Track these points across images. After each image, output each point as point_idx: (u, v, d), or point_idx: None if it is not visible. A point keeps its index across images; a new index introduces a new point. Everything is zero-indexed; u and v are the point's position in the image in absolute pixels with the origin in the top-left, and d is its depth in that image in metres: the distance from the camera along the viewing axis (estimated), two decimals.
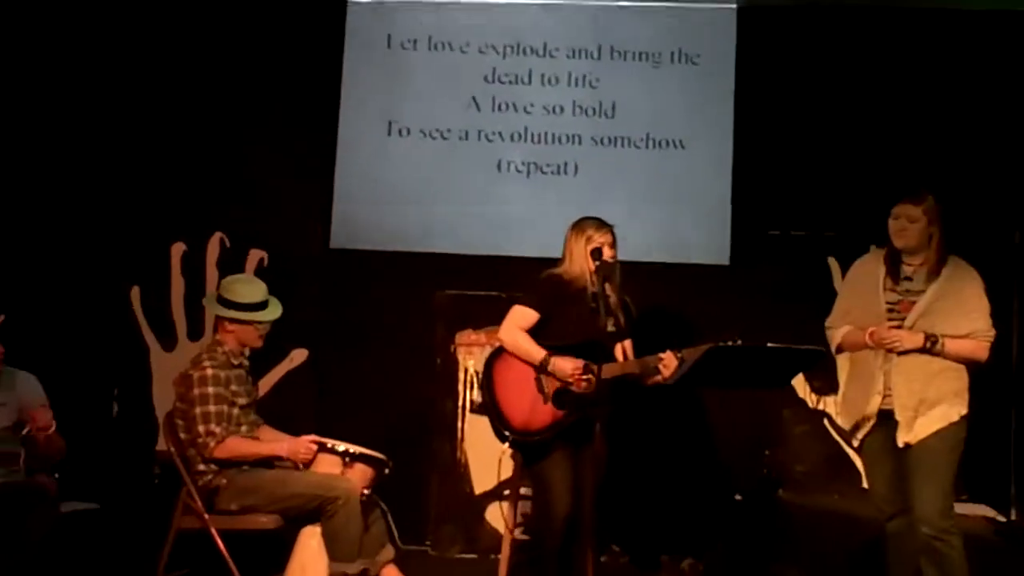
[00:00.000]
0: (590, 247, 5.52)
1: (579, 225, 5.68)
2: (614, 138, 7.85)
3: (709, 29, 7.84)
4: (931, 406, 5.25)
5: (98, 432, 7.36)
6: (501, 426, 5.60)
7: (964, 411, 5.28)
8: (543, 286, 5.63)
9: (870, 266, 5.60)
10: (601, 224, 5.64)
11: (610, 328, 5.27)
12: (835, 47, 7.78)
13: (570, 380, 5.43)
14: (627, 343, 5.72)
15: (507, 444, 5.77)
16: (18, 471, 5.64)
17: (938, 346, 5.22)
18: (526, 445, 5.62)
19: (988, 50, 7.70)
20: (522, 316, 5.58)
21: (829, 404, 7.46)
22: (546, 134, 7.86)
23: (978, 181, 7.47)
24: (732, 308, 7.27)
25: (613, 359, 5.54)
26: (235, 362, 5.90)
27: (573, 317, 5.51)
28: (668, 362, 5.36)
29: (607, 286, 5.40)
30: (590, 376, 5.36)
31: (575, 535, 5.53)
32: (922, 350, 5.24)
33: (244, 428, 5.82)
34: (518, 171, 7.85)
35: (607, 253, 5.49)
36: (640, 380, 5.55)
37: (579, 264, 5.58)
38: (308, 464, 5.83)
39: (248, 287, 6.07)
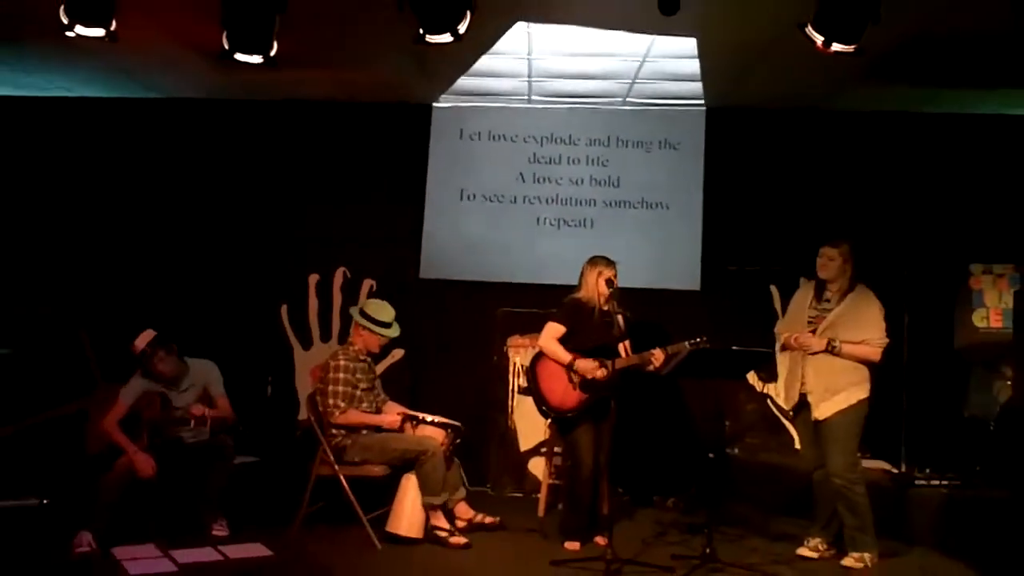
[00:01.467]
0: (602, 278, 5.60)
1: (593, 261, 5.73)
2: (619, 202, 7.86)
3: (686, 124, 7.84)
4: (834, 392, 5.32)
5: (258, 406, 7.37)
6: (543, 406, 5.71)
7: (863, 396, 5.33)
8: (567, 307, 5.69)
9: (804, 291, 5.69)
10: (609, 261, 5.70)
11: (614, 333, 5.50)
12: (776, 136, 7.76)
13: (589, 376, 5.55)
14: (627, 343, 5.76)
15: (548, 419, 5.97)
16: (205, 432, 5.67)
17: (837, 348, 5.31)
18: (562, 419, 5.71)
19: (881, 143, 7.69)
20: (554, 330, 5.65)
21: (771, 389, 7.39)
22: (571, 199, 7.88)
23: (879, 232, 7.43)
24: (702, 321, 6.96)
25: (619, 356, 5.62)
26: (361, 358, 5.96)
27: (590, 328, 5.61)
28: (658, 355, 5.52)
29: (614, 304, 5.55)
30: (606, 368, 5.51)
31: (596, 480, 5.65)
32: (826, 351, 5.34)
33: (365, 404, 5.88)
34: (551, 225, 7.87)
35: (612, 282, 5.56)
36: (640, 369, 5.63)
37: (592, 290, 5.65)
38: (401, 429, 5.87)
39: (384, 310, 6.09)
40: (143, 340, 5.66)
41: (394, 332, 6.08)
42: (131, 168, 7.96)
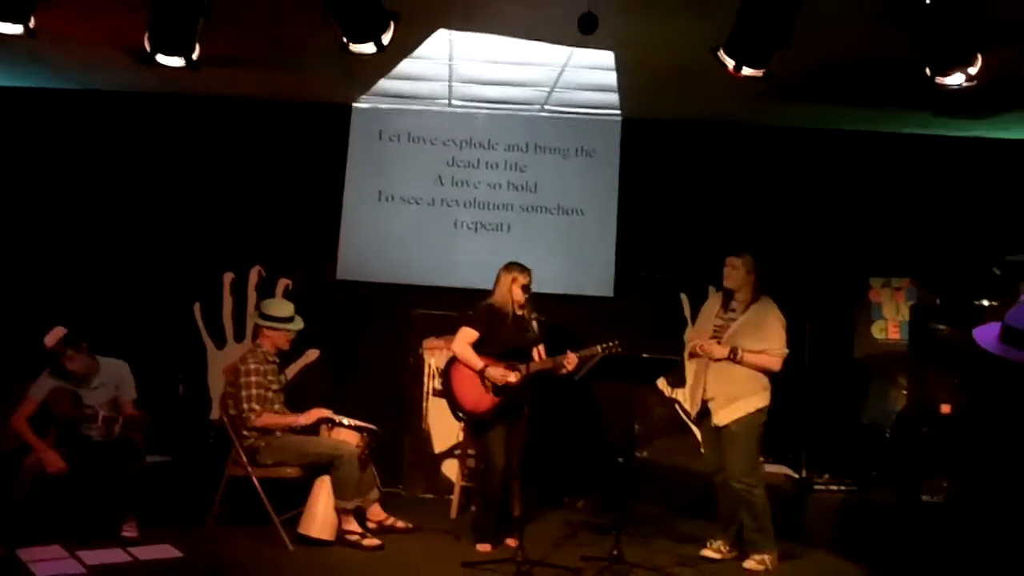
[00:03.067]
0: (517, 284, 5.70)
1: (508, 267, 5.80)
2: (536, 207, 7.92)
3: (602, 133, 7.92)
4: (734, 400, 5.46)
5: (169, 405, 7.28)
6: (458, 410, 5.78)
7: (762, 404, 5.48)
8: (481, 312, 5.76)
9: (712, 301, 5.88)
10: (524, 268, 5.78)
11: (529, 337, 5.67)
12: (689, 148, 7.88)
13: (500, 382, 5.62)
14: (541, 347, 5.86)
15: (462, 422, 6.07)
16: (114, 431, 5.63)
17: (738, 356, 5.46)
18: (475, 422, 5.81)
19: (788, 158, 7.86)
20: (468, 335, 5.72)
21: (679, 394, 7.51)
22: (489, 203, 7.91)
23: (785, 244, 7.58)
24: (615, 326, 7.01)
25: (532, 360, 5.74)
26: (270, 359, 5.98)
27: (503, 333, 5.70)
28: (571, 359, 5.65)
29: (528, 309, 5.68)
30: (519, 372, 5.62)
31: (508, 481, 5.74)
32: (728, 359, 5.48)
33: (276, 407, 5.92)
34: (469, 228, 7.90)
35: (526, 288, 5.70)
36: (554, 373, 5.74)
37: (506, 295, 5.73)
38: (316, 431, 5.93)
39: (281, 306, 6.18)
40: (53, 337, 5.58)
41: (298, 325, 6.11)
42: (43, 161, 7.78)
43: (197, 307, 7.74)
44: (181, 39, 4.48)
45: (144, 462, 5.72)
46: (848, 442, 7.22)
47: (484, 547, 5.71)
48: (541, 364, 5.74)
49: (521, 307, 5.72)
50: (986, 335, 2.55)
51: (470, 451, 6.55)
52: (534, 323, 5.74)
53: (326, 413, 5.97)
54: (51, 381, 5.60)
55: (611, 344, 5.65)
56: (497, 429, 5.70)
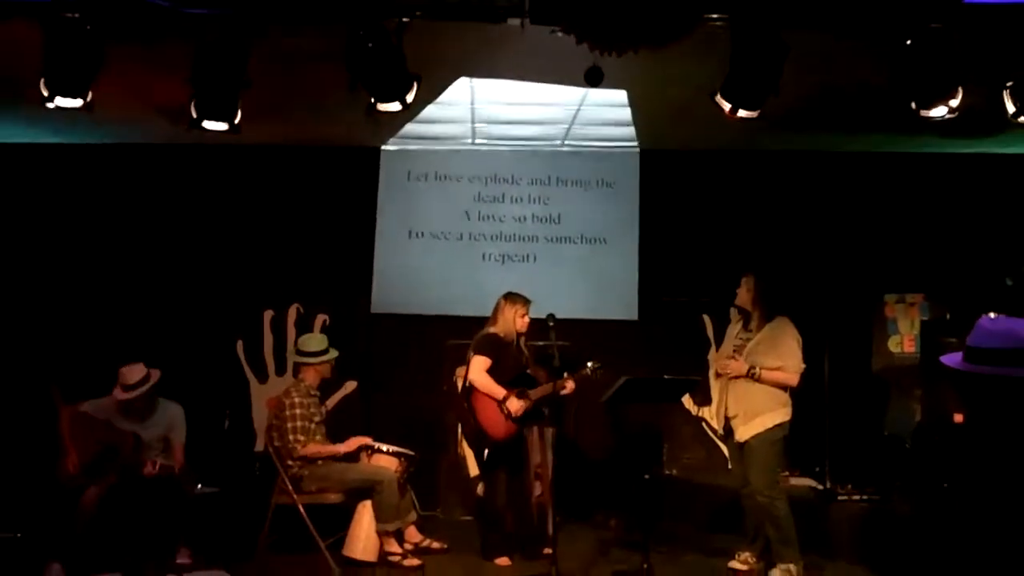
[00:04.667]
0: (519, 315, 6.01)
1: (512, 300, 6.08)
2: (560, 237, 8.18)
3: (621, 164, 8.18)
4: (753, 416, 5.59)
5: (216, 438, 7.50)
6: (482, 437, 5.99)
7: (781, 420, 5.59)
8: (489, 342, 6.00)
9: (733, 323, 6.02)
10: (526, 299, 6.07)
11: (525, 364, 5.98)
12: (705, 175, 8.10)
13: (516, 412, 5.87)
14: (540, 371, 6.12)
15: (486, 450, 6.15)
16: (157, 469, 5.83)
17: (757, 374, 5.58)
18: (490, 449, 6.02)
19: (802, 181, 8.07)
20: (483, 363, 5.94)
21: (705, 412, 7.59)
22: (514, 235, 8.17)
23: (802, 264, 7.80)
24: (640, 349, 7.60)
25: (535, 385, 5.97)
26: (312, 392, 6.19)
27: (509, 360, 5.99)
28: (568, 383, 5.91)
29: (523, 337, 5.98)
30: (527, 399, 5.88)
31: (519, 507, 6.02)
32: (747, 376, 5.61)
33: (318, 437, 6.10)
34: (496, 260, 8.16)
35: (528, 318, 6.02)
36: (555, 396, 5.90)
37: (510, 325, 6.01)
38: (357, 458, 6.13)
39: (315, 340, 6.40)
40: (134, 376, 5.87)
41: (334, 354, 6.31)
42: (91, 211, 8.10)
43: (240, 344, 7.99)
44: (224, 107, 4.85)
45: (187, 494, 5.98)
46: (869, 453, 7.33)
47: (503, 561, 5.93)
48: (544, 390, 5.93)
49: (520, 335, 6.01)
50: (952, 359, 2.80)
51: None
52: (526, 349, 6.00)
53: (366, 441, 6.16)
54: (113, 408, 5.88)
55: (597, 366, 5.93)
56: (505, 461, 5.97)
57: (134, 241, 8.12)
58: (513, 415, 5.89)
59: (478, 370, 5.94)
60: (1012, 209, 7.77)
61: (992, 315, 2.82)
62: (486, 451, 6.04)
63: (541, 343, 6.29)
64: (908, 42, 4.55)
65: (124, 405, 5.90)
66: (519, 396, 5.89)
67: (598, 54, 4.57)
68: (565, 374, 5.89)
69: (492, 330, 6.04)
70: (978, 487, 2.68)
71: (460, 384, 7.52)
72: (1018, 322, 2.72)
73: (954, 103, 4.79)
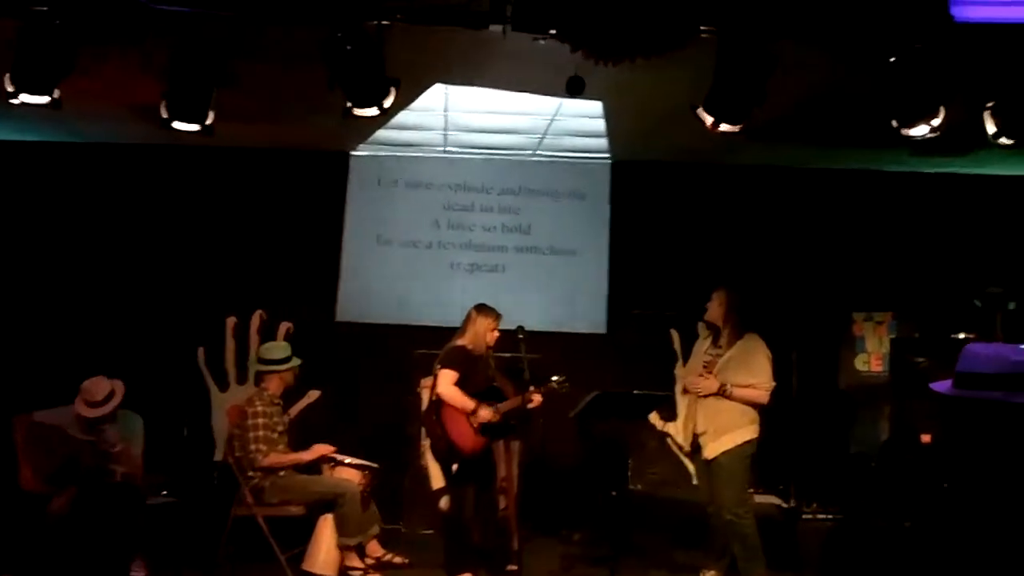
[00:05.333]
0: (489, 328, 5.91)
1: (485, 312, 5.97)
2: (530, 248, 8.17)
3: (592, 175, 8.18)
4: (722, 433, 5.55)
5: (175, 447, 7.36)
6: (452, 451, 5.83)
7: (750, 437, 5.56)
8: (457, 355, 5.88)
9: (701, 339, 5.98)
10: (498, 313, 5.98)
11: (492, 377, 5.86)
12: (677, 188, 8.11)
13: (487, 421, 5.78)
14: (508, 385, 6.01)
15: (455, 463, 5.99)
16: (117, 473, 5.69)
17: (728, 391, 5.55)
18: (460, 464, 5.88)
19: (774, 197, 8.09)
20: (452, 377, 5.80)
21: (671, 428, 7.00)
22: (484, 244, 8.15)
23: (771, 280, 7.78)
24: (608, 362, 7.55)
25: (503, 396, 5.86)
26: (275, 401, 6.09)
27: (477, 374, 5.87)
28: (535, 396, 5.82)
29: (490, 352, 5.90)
30: (496, 411, 5.78)
31: (485, 523, 5.91)
32: (717, 394, 5.57)
33: (281, 447, 5.99)
34: (465, 269, 8.13)
35: (497, 332, 5.93)
36: (523, 409, 5.82)
37: (481, 338, 5.90)
38: (319, 470, 6.08)
39: (277, 349, 6.33)
40: (99, 393, 5.71)
41: (297, 362, 6.24)
42: (50, 212, 7.98)
43: (201, 351, 7.84)
44: (197, 107, 4.74)
45: (144, 503, 5.85)
46: (835, 471, 7.32)
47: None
48: (512, 403, 5.84)
49: (489, 348, 5.93)
50: (941, 385, 2.79)
51: None
52: (493, 362, 5.92)
53: (328, 449, 6.07)
54: (71, 418, 5.72)
55: (563, 379, 5.86)
56: (474, 475, 5.87)
57: (93, 244, 8.01)
58: (484, 427, 5.79)
59: (446, 383, 5.82)
60: (981, 230, 7.86)
61: (978, 341, 2.82)
62: (455, 465, 5.93)
63: (509, 355, 6.19)
64: (892, 59, 4.54)
65: (89, 422, 5.71)
66: (488, 408, 5.79)
67: (579, 63, 4.52)
68: (531, 387, 5.82)
69: (460, 342, 5.95)
70: (964, 511, 2.66)
71: (426, 395, 7.48)
72: (1006, 347, 2.71)
73: (936, 122, 4.81)
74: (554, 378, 5.91)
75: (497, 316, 5.97)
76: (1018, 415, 2.58)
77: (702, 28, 4.51)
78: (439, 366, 5.89)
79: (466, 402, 5.78)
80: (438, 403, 5.85)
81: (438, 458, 6.06)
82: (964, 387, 2.65)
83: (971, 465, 2.66)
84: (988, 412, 2.63)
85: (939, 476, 5.65)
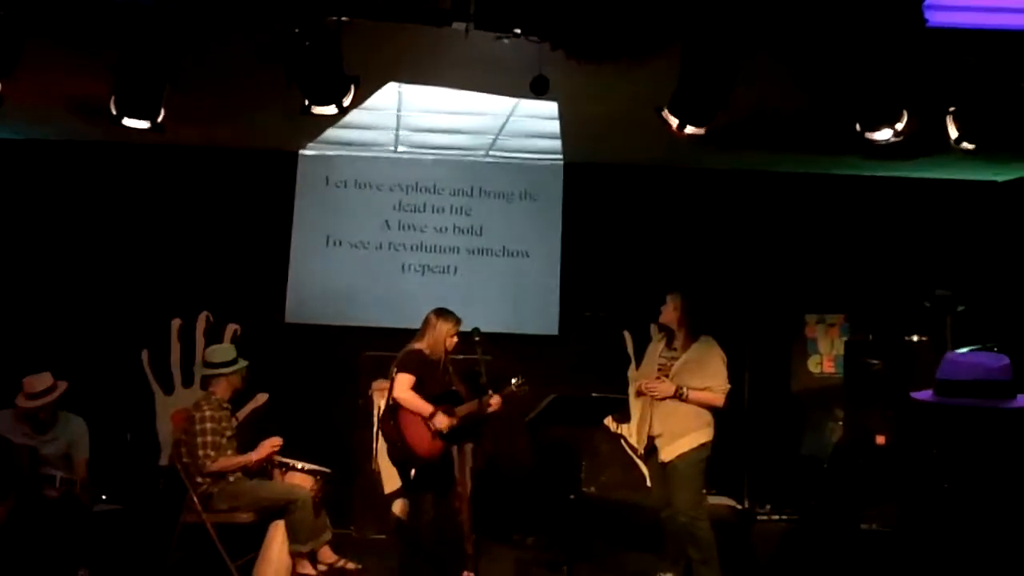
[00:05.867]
0: (450, 333, 5.85)
1: (444, 316, 5.90)
2: (482, 249, 8.10)
3: (545, 177, 8.14)
4: (679, 436, 5.54)
5: (118, 452, 7.23)
6: (408, 455, 5.76)
7: (705, 440, 5.57)
8: (414, 358, 5.80)
9: (655, 340, 6.01)
10: (457, 317, 5.93)
11: (451, 382, 5.81)
12: (630, 190, 8.11)
13: (444, 428, 5.72)
14: (462, 389, 5.94)
15: (412, 468, 5.93)
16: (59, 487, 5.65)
17: (684, 394, 5.54)
18: (416, 469, 5.83)
19: (727, 200, 8.11)
20: (408, 380, 5.72)
21: (624, 430, 7.57)
22: (436, 246, 8.06)
23: (724, 283, 7.78)
24: (559, 364, 7.48)
25: (460, 403, 5.82)
26: (224, 406, 5.99)
27: (435, 378, 5.81)
28: (495, 400, 5.78)
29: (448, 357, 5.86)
30: (453, 416, 5.73)
31: (441, 530, 5.81)
32: (673, 397, 5.56)
33: (230, 452, 5.89)
34: (416, 271, 8.05)
35: (456, 337, 5.88)
36: (480, 414, 5.77)
37: (440, 342, 5.84)
38: (271, 475, 6.00)
39: (222, 352, 6.22)
40: (40, 383, 5.62)
41: (243, 363, 6.15)
42: None
43: (145, 354, 7.73)
44: (148, 104, 4.60)
45: (89, 512, 5.77)
46: (788, 473, 7.40)
47: None
48: (470, 407, 5.79)
49: (448, 353, 5.87)
50: (922, 394, 2.82)
51: None
52: (451, 367, 5.88)
53: (276, 442, 5.96)
54: (11, 421, 5.62)
55: (520, 380, 5.86)
56: (432, 480, 5.81)
57: (35, 243, 7.80)
58: (441, 432, 5.72)
59: (403, 387, 5.74)
60: (931, 232, 7.98)
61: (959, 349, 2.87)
62: (412, 470, 5.86)
63: (461, 357, 6.13)
64: (859, 63, 4.55)
65: (24, 413, 5.65)
66: (446, 413, 5.72)
67: (543, 64, 4.47)
68: (490, 391, 5.78)
69: (418, 346, 5.87)
70: (945, 515, 2.69)
71: (377, 398, 7.45)
72: (984, 355, 2.75)
73: (899, 126, 4.83)
74: (513, 380, 5.90)
75: (457, 321, 5.92)
76: (997, 421, 2.61)
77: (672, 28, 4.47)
78: (396, 370, 5.81)
79: (423, 406, 5.71)
80: (395, 407, 5.77)
81: (395, 462, 5.98)
82: (945, 395, 2.67)
83: (954, 470, 2.69)
84: (967, 418, 2.66)
85: (896, 479, 5.75)
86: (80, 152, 7.77)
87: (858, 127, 4.91)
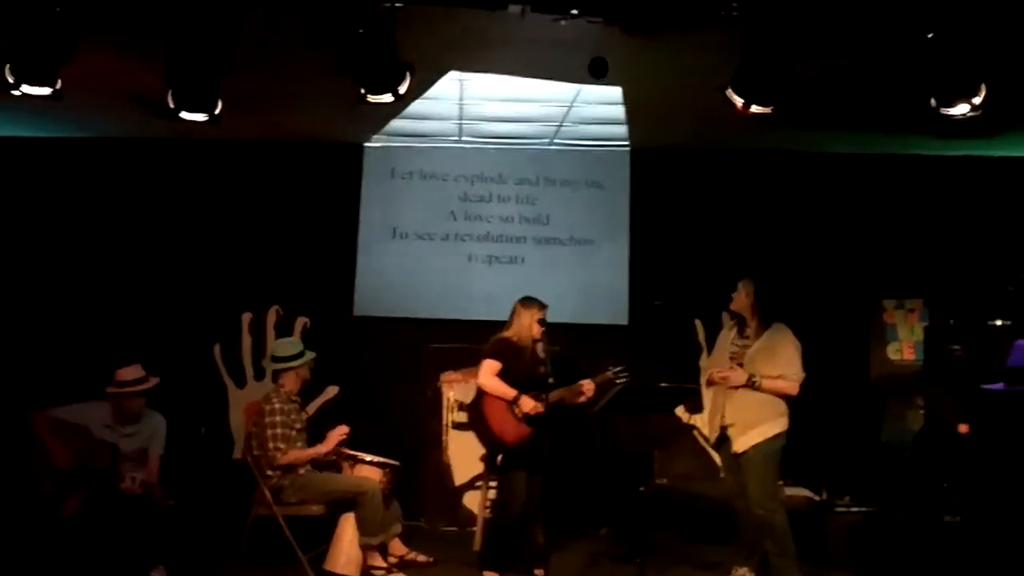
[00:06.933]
0: (535, 319, 5.78)
1: (527, 303, 5.87)
2: (548, 239, 8.03)
3: (611, 164, 8.04)
4: (753, 426, 5.45)
5: (192, 445, 7.21)
6: (493, 442, 5.77)
7: (780, 429, 5.47)
8: (500, 345, 5.82)
9: (726, 328, 5.91)
10: (542, 304, 5.86)
11: (542, 371, 5.65)
12: (699, 175, 7.97)
13: (531, 411, 5.67)
14: (551, 379, 5.77)
15: (498, 455, 5.90)
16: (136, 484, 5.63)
17: (757, 383, 5.45)
18: (503, 455, 5.80)
19: (799, 183, 7.93)
20: (492, 367, 5.76)
21: (697, 420, 7.44)
22: (501, 236, 8.02)
23: (799, 268, 7.64)
24: (629, 354, 6.92)
25: (549, 390, 5.70)
26: (293, 399, 6.04)
27: (521, 366, 5.77)
28: (588, 387, 5.75)
29: (544, 343, 5.73)
30: (542, 401, 5.64)
31: (528, 515, 5.76)
32: (746, 386, 5.47)
33: (299, 445, 5.94)
34: (482, 262, 8.00)
35: (543, 324, 5.76)
36: (570, 402, 5.78)
37: (525, 330, 5.80)
38: (339, 468, 6.06)
39: (288, 345, 6.29)
40: (131, 373, 5.70)
41: (310, 356, 6.19)
42: (60, 209, 7.91)
43: (217, 348, 7.82)
44: (204, 97, 4.62)
45: (162, 508, 5.73)
46: (867, 463, 7.20)
47: (491, 575, 5.74)
48: (560, 392, 5.76)
49: (536, 341, 5.79)
50: (995, 386, 2.69)
51: (492, 483, 6.55)
52: (545, 355, 5.75)
53: (344, 431, 5.99)
54: (95, 411, 5.67)
55: (620, 369, 5.75)
56: (522, 470, 5.74)
57: (107, 241, 7.93)
58: (528, 414, 5.69)
59: (486, 374, 5.79)
60: (1013, 214, 7.69)
61: None
62: (499, 456, 5.85)
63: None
64: (931, 35, 4.36)
65: (115, 403, 5.69)
66: (535, 399, 5.68)
67: (601, 46, 4.37)
68: (586, 379, 5.77)
69: (506, 334, 5.89)
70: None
71: (446, 390, 7.48)
72: None
73: (977, 100, 4.63)
74: (611, 368, 5.79)
75: (540, 307, 5.87)
76: None
77: (732, 6, 4.33)
78: (483, 358, 5.86)
79: (506, 391, 5.72)
80: (480, 394, 5.84)
81: (487, 449, 5.97)
82: (1015, 382, 2.53)
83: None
84: None
85: (981, 468, 5.54)
86: (156, 150, 7.88)
87: (933, 102, 4.71)
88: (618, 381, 5.83)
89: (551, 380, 5.70)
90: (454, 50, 5.57)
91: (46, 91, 4.60)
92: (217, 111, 4.73)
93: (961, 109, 4.74)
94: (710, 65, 4.98)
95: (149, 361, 6.97)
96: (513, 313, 5.93)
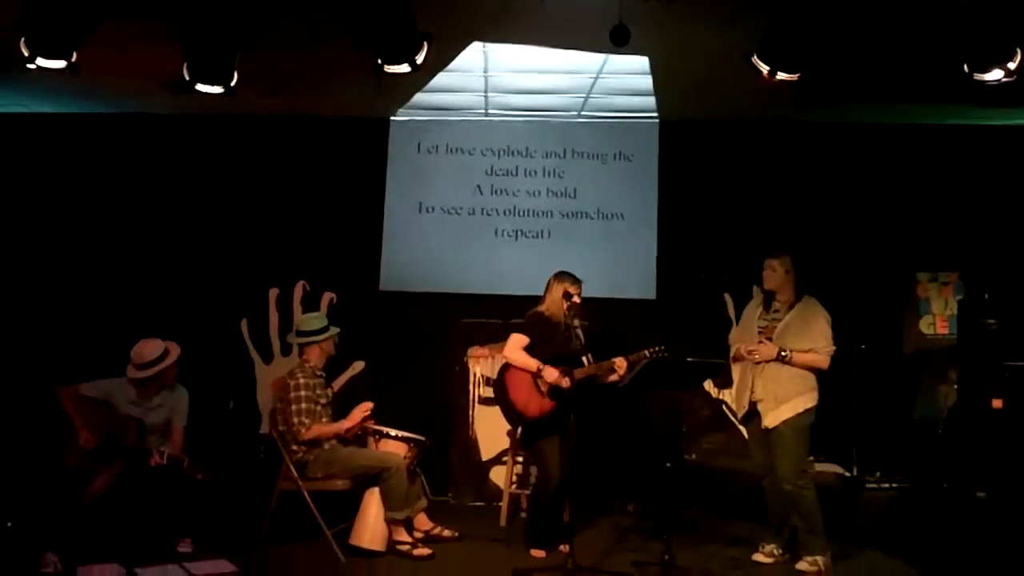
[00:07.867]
0: (568, 294, 5.72)
1: (560, 277, 5.83)
2: (575, 212, 7.97)
3: (639, 136, 7.95)
4: (782, 401, 5.40)
5: (220, 420, 7.38)
6: (514, 415, 5.78)
7: (810, 404, 5.42)
8: (531, 319, 5.80)
9: (755, 302, 5.84)
10: (576, 279, 5.81)
11: (575, 346, 5.58)
12: (728, 147, 7.86)
13: (554, 382, 5.63)
14: (588, 355, 5.73)
15: (518, 428, 5.97)
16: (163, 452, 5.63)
17: (788, 357, 5.40)
18: (529, 429, 5.81)
19: (829, 154, 7.81)
20: (519, 340, 5.75)
21: (725, 395, 7.45)
22: (528, 210, 7.97)
23: (829, 241, 7.55)
24: (657, 329, 7.06)
25: (581, 366, 5.66)
26: (318, 374, 6.03)
27: (553, 340, 5.71)
28: (620, 364, 5.66)
29: (577, 318, 5.67)
30: (570, 376, 5.62)
31: (562, 489, 5.70)
32: (776, 360, 5.43)
33: (324, 419, 5.93)
34: (509, 236, 7.96)
35: (576, 299, 5.72)
36: (600, 379, 5.72)
37: (558, 304, 5.74)
38: (364, 443, 6.04)
39: (312, 319, 6.25)
40: (150, 353, 5.72)
41: (335, 330, 6.18)
42: (87, 184, 7.95)
43: (244, 323, 7.84)
44: (220, 68, 4.58)
45: (197, 479, 5.73)
46: (899, 439, 7.15)
47: (539, 553, 5.72)
48: (590, 369, 5.68)
49: (570, 316, 5.73)
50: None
51: (518, 458, 6.58)
52: (580, 332, 5.68)
53: (367, 407, 5.98)
54: (124, 390, 5.70)
55: (658, 348, 5.66)
56: (552, 437, 5.71)
57: (133, 216, 7.97)
58: (552, 386, 5.66)
59: (512, 346, 5.79)
60: None
61: None
62: (519, 429, 5.87)
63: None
64: None
65: (139, 383, 5.70)
66: (562, 372, 5.64)
67: (624, 14, 4.28)
68: (619, 356, 5.70)
69: (539, 308, 5.87)
70: None
71: (472, 365, 7.46)
72: None
73: (1012, 65, 4.51)
74: (648, 349, 5.71)
75: (574, 281, 5.83)
76: None
77: None
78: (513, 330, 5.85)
79: (529, 362, 5.71)
80: (505, 367, 5.85)
81: (509, 422, 5.99)
82: None
83: None
84: None
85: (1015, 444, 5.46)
86: (183, 126, 7.89)
87: (966, 68, 4.59)
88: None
89: (588, 356, 5.64)
90: (474, 22, 5.51)
91: (61, 64, 4.57)
92: (233, 83, 4.69)
93: (995, 75, 4.62)
94: (736, 34, 4.88)
95: (178, 336, 7.04)
96: (547, 286, 5.90)
